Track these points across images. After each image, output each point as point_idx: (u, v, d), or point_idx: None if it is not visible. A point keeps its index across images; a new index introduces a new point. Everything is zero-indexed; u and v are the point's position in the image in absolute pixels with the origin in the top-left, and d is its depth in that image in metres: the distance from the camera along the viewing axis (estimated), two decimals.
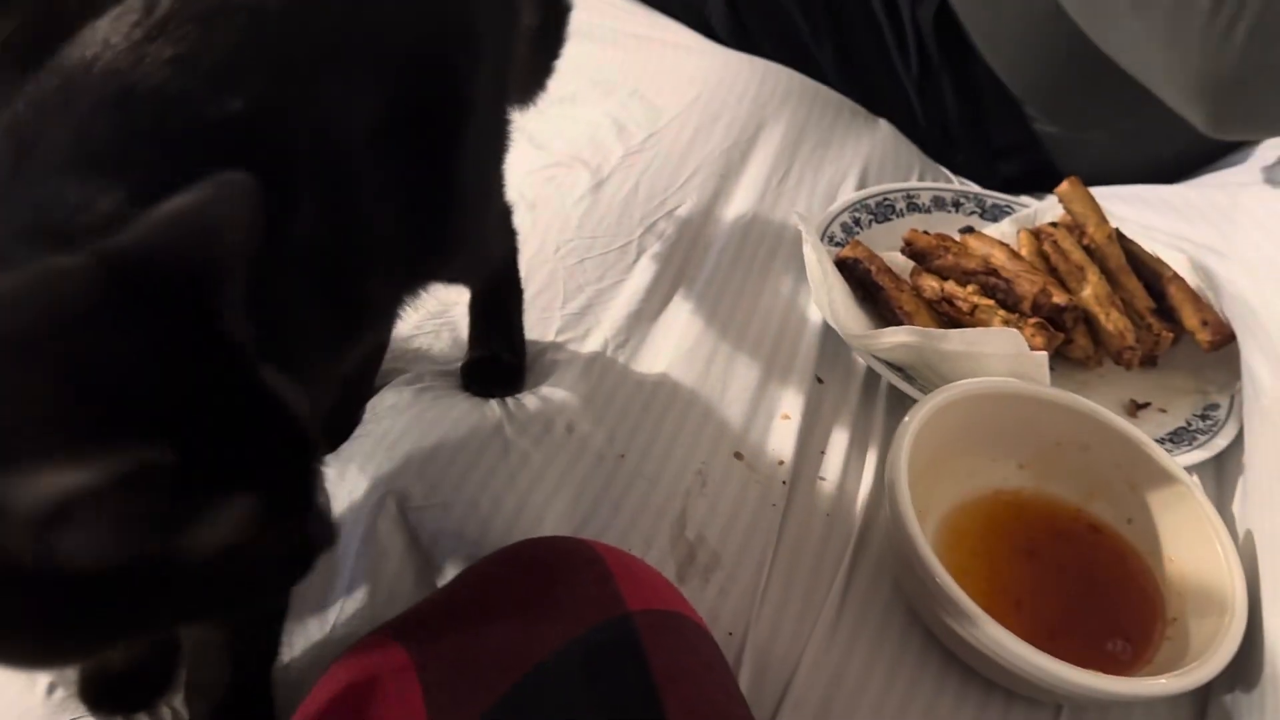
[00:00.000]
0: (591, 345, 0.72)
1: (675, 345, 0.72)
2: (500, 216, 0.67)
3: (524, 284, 0.72)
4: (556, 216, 0.82)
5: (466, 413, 0.65)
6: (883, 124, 0.97)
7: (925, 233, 0.79)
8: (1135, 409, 0.74)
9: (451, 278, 0.65)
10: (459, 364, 0.71)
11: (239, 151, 0.42)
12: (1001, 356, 0.65)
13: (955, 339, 0.66)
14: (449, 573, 0.59)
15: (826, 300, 0.73)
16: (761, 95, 0.93)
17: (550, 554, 0.53)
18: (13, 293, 0.33)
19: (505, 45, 0.59)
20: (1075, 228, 0.78)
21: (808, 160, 0.89)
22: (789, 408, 0.69)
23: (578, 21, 0.76)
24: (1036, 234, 0.78)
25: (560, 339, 0.73)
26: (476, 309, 0.71)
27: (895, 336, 0.68)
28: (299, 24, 0.46)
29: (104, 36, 0.44)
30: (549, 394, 0.68)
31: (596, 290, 0.77)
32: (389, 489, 0.60)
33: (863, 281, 0.76)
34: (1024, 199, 0.89)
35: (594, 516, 0.62)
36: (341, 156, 0.47)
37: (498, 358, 0.70)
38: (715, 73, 0.96)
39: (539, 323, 0.74)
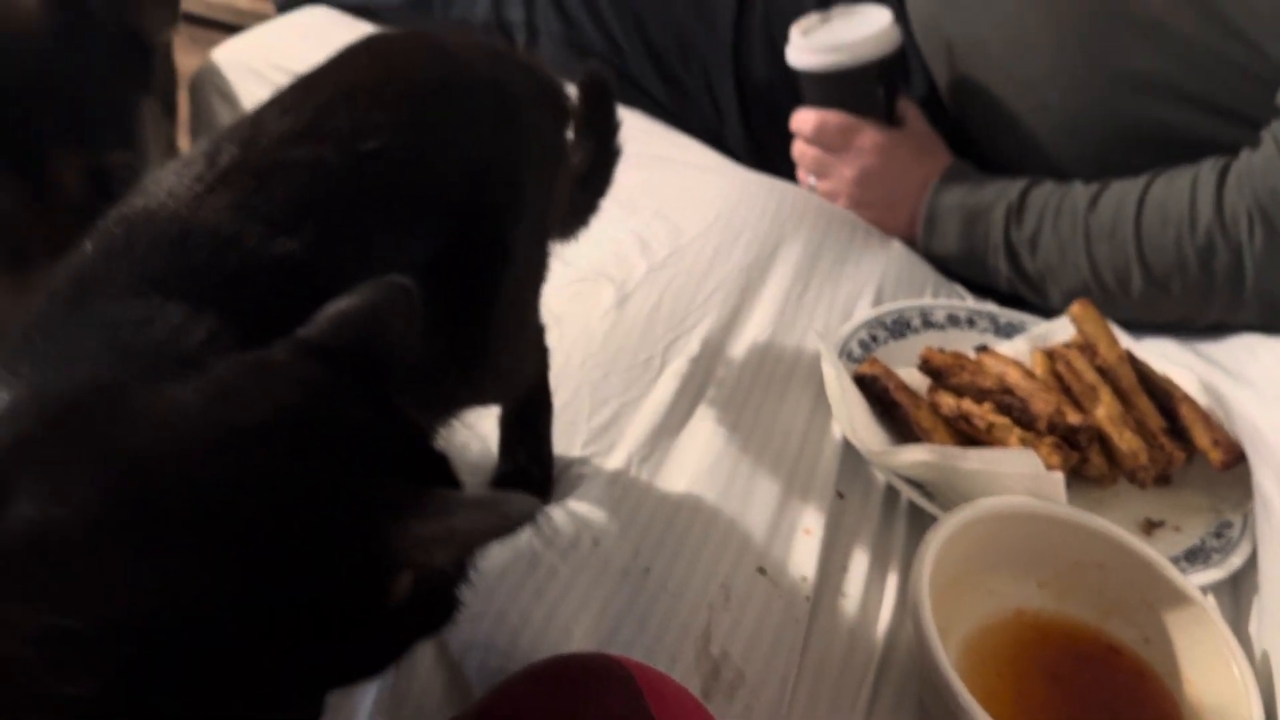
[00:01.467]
0: (616, 459, 0.74)
1: (698, 460, 0.74)
2: (534, 339, 0.70)
3: (552, 397, 0.74)
4: (583, 331, 0.85)
5: None
6: (895, 243, 1.00)
7: (941, 350, 0.81)
8: (1150, 527, 0.75)
9: (484, 402, 0.67)
10: (487, 475, 0.73)
11: (296, 288, 0.45)
12: (1019, 476, 0.67)
13: (974, 459, 0.68)
14: (477, 683, 0.60)
15: (846, 416, 0.75)
16: (780, 214, 0.97)
17: (582, 671, 0.54)
18: (234, 387, 0.36)
19: (549, 192, 0.62)
20: (1087, 347, 0.81)
21: (825, 277, 0.92)
22: (811, 522, 0.71)
23: None
24: (1050, 354, 0.80)
25: (586, 452, 0.75)
26: (507, 423, 0.73)
27: (914, 455, 0.70)
28: (355, 177, 0.49)
29: (168, 187, 0.47)
30: (575, 508, 0.69)
31: (621, 404, 0.79)
32: None
33: (881, 398, 0.79)
34: (1035, 317, 0.92)
35: (620, 631, 0.63)
36: None
37: (526, 471, 0.72)
38: (735, 193, 0.99)
39: (565, 435, 0.76)
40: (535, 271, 0.64)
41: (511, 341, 0.64)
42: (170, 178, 0.47)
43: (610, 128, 0.77)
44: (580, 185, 0.75)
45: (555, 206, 0.64)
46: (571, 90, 0.73)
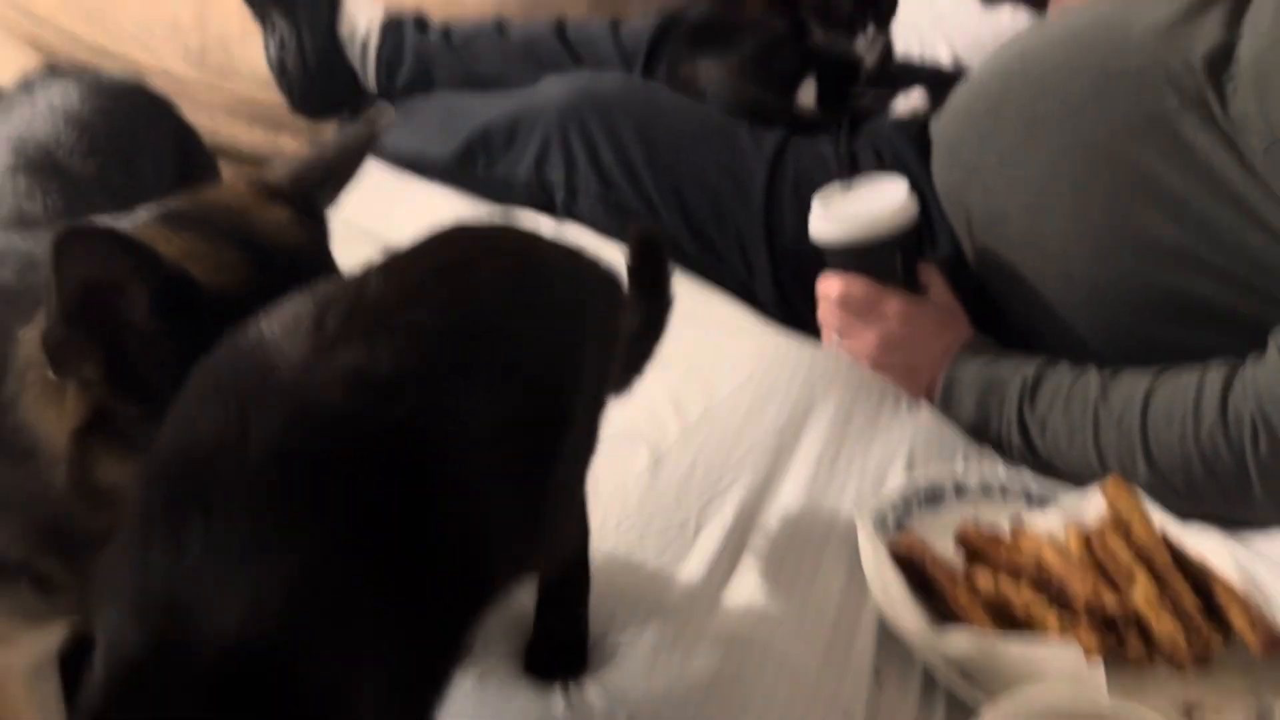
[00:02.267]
0: (651, 629, 0.74)
1: (733, 632, 0.74)
2: (580, 508, 0.71)
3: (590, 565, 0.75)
4: (617, 492, 0.85)
5: (527, 704, 0.67)
6: (924, 407, 1.01)
7: (976, 523, 0.82)
8: (1190, 710, 0.74)
9: (534, 567, 0.67)
10: (520, 641, 0.72)
11: (398, 460, 0.47)
12: (1060, 667, 0.66)
13: (1014, 649, 0.68)
14: None
15: (883, 593, 0.75)
16: (811, 376, 0.99)
17: None
18: None
19: (606, 367, 0.65)
20: (1121, 526, 0.81)
21: (857, 441, 0.93)
22: (848, 702, 0.70)
23: None
24: (1085, 533, 0.80)
25: (620, 620, 0.75)
26: (544, 590, 0.73)
27: (953, 641, 0.70)
28: (449, 342, 0.52)
29: (278, 346, 0.49)
30: (609, 682, 0.69)
31: (656, 569, 0.79)
32: None
33: (917, 574, 0.79)
34: (1066, 485, 0.92)
35: None
36: (470, 464, 0.51)
37: (562, 640, 0.72)
38: (766, 353, 1.01)
39: (600, 600, 0.76)
40: (589, 443, 0.65)
41: (564, 508, 0.65)
42: (279, 336, 0.50)
43: (661, 284, 0.79)
44: (632, 342, 0.77)
45: (609, 379, 0.67)
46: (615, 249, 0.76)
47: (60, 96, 1.07)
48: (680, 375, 0.99)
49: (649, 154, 1.19)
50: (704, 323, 1.09)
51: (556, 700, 0.67)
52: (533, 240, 0.64)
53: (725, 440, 0.91)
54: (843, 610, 0.78)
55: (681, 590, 0.77)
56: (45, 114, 1.04)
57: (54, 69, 1.16)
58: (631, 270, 0.76)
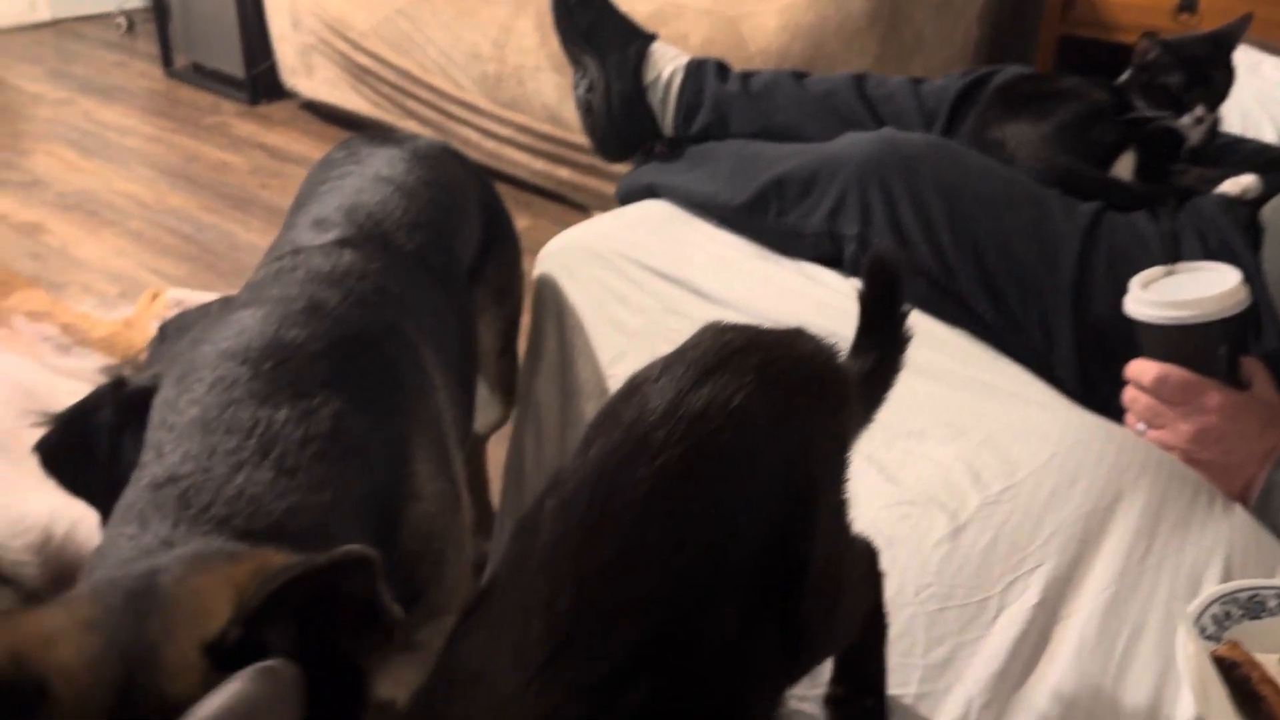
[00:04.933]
0: (954, 703, 0.73)
1: None
2: (859, 571, 0.71)
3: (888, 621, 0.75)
4: (914, 557, 0.85)
5: None
6: (1238, 509, 0.95)
7: None
8: None
9: (824, 658, 0.69)
10: (815, 693, 0.73)
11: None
12: None
13: None
14: None
15: (1203, 701, 0.71)
16: (1120, 463, 0.95)
17: None
18: None
19: (839, 480, 0.67)
20: None
21: (1168, 540, 0.89)
22: None
23: (919, 359, 0.80)
24: None
25: (922, 690, 0.74)
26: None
27: None
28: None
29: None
30: None
31: (958, 643, 0.78)
32: None
33: (1240, 686, 0.74)
34: None
35: None
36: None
37: (860, 701, 0.72)
38: (1070, 434, 0.98)
39: (899, 668, 0.76)
40: (841, 520, 0.67)
41: (830, 617, 0.66)
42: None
43: (896, 316, 0.77)
44: (868, 378, 0.75)
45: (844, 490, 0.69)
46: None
47: (387, 165, 1.07)
48: (977, 444, 0.98)
49: (951, 214, 1.17)
50: (997, 392, 1.07)
51: None
52: (811, 348, 0.67)
53: (1029, 519, 0.89)
54: (1151, 717, 0.74)
55: (986, 666, 0.76)
56: (373, 183, 1.04)
57: (374, 136, 1.18)
58: (867, 298, 0.75)
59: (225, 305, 0.92)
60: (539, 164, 2.55)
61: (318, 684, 0.47)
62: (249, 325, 0.80)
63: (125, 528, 0.65)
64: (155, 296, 1.80)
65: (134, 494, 0.69)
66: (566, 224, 1.42)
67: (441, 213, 1.08)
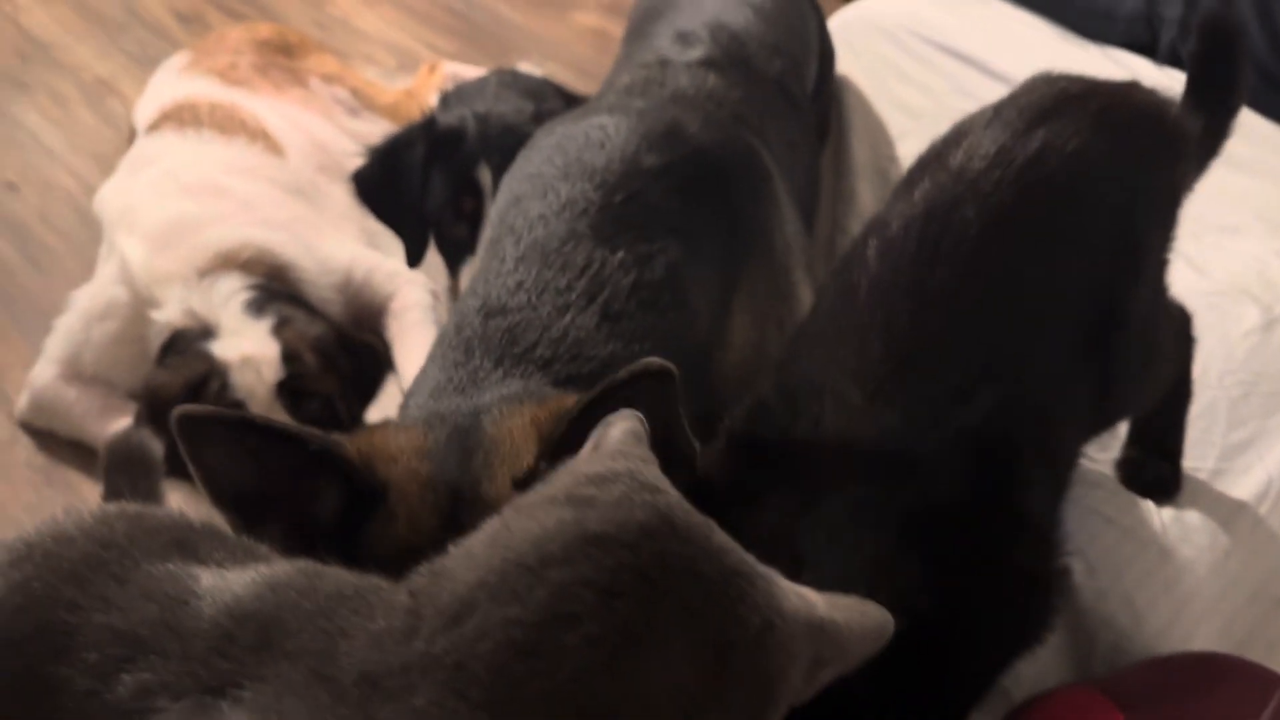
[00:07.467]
0: (1253, 480, 0.72)
1: None
2: (1172, 333, 0.69)
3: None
4: (1220, 345, 0.82)
5: (1126, 506, 0.68)
6: None
7: None
8: None
9: (1131, 412, 0.69)
10: (1105, 456, 0.73)
11: None
12: None
13: None
14: (1096, 649, 0.62)
15: None
16: None
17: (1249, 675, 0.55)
18: None
19: (1167, 237, 0.64)
20: None
21: None
22: None
23: (1240, 155, 0.76)
24: None
25: (1219, 466, 0.73)
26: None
27: None
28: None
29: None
30: (1213, 514, 0.68)
31: (1261, 427, 0.76)
32: None
33: None
34: None
35: (1245, 651, 0.62)
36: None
37: (1155, 463, 0.72)
38: None
39: (1196, 443, 0.74)
40: (1162, 279, 0.65)
41: (1148, 357, 0.65)
42: None
43: (1229, 77, 0.71)
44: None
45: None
46: None
47: None
48: None
49: None
50: None
51: (1153, 511, 0.68)
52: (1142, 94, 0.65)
53: None
54: None
55: None
56: (734, 2, 1.00)
57: None
58: (1198, 57, 0.70)
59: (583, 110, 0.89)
60: None
61: None
62: (611, 138, 0.78)
63: (453, 353, 0.67)
64: (433, 70, 1.87)
65: (465, 314, 0.70)
66: None
67: (796, 40, 1.05)
